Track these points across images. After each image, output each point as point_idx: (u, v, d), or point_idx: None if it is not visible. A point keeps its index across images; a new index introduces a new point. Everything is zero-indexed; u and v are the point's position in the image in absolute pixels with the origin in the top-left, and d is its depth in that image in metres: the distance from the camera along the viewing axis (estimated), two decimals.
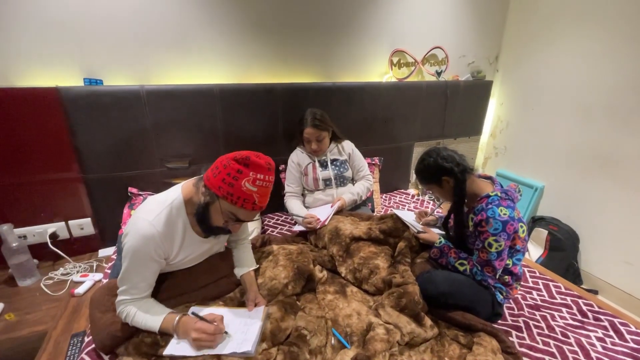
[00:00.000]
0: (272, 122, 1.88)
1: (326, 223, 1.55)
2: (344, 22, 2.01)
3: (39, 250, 1.52)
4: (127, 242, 0.92)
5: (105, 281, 1.34)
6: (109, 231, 1.64)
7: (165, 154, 1.67)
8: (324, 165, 1.78)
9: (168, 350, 0.91)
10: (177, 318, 0.95)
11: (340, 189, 1.81)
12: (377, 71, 2.24)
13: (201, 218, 0.96)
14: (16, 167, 1.43)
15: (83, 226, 1.61)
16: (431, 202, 2.31)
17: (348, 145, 1.86)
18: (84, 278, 1.41)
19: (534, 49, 2.44)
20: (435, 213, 1.56)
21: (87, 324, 1.15)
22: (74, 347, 1.08)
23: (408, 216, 1.51)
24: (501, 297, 1.17)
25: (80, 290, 1.33)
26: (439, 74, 2.40)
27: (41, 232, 1.53)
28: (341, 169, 1.79)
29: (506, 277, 1.18)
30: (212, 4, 1.65)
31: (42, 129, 1.43)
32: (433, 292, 1.13)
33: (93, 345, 0.99)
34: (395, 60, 2.24)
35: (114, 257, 1.50)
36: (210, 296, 1.14)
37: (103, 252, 1.64)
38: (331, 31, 1.99)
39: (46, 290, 1.36)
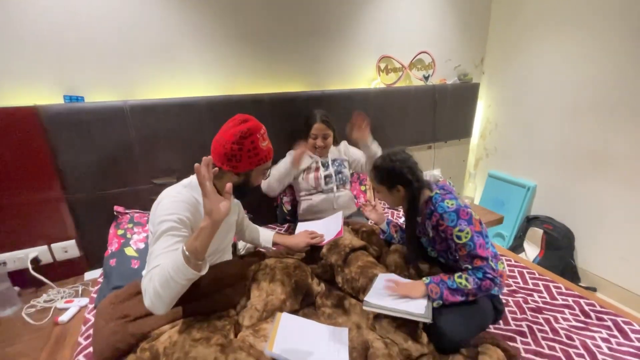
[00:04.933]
0: None
1: (338, 235, 1.41)
2: (331, 29, 2.01)
3: (20, 277, 1.45)
4: (155, 216, 0.95)
5: (91, 306, 1.28)
6: (94, 253, 1.57)
7: (152, 170, 1.62)
8: (325, 165, 1.83)
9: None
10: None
11: (340, 191, 1.83)
12: (365, 77, 2.24)
13: (244, 190, 1.10)
14: None
15: (67, 249, 1.54)
16: None
17: (343, 145, 1.92)
18: (69, 304, 1.34)
19: (517, 51, 2.48)
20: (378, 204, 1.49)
21: (71, 354, 1.09)
22: None
23: (379, 293, 1.10)
24: (496, 289, 1.11)
25: (64, 317, 1.26)
26: (426, 78, 2.41)
27: (22, 257, 1.45)
28: (341, 167, 1.84)
29: None
30: (196, 15, 1.63)
31: (21, 149, 1.36)
32: (443, 344, 1.02)
33: None
34: (382, 66, 2.25)
35: (100, 280, 1.43)
36: (216, 306, 1.09)
37: (89, 275, 1.57)
38: (318, 39, 1.99)
39: (28, 319, 1.28)
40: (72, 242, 1.55)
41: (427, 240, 1.25)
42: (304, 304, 1.20)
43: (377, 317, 1.08)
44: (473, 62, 2.70)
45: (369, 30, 2.13)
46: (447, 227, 1.08)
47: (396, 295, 1.06)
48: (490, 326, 1.17)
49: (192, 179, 1.08)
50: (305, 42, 1.95)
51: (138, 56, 1.56)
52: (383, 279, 1.16)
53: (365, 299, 1.06)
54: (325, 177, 1.79)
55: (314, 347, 0.97)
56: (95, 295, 1.33)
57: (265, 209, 1.96)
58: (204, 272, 0.86)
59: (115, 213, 1.55)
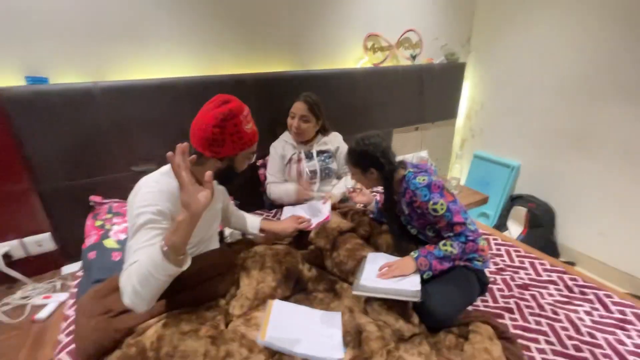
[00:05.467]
0: None
1: (326, 220, 1.39)
2: (317, 6, 1.91)
3: None
4: (133, 208, 0.89)
5: (71, 302, 1.21)
6: (72, 245, 1.48)
7: (130, 157, 1.53)
8: (309, 156, 1.70)
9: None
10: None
11: (323, 185, 1.73)
12: (352, 57, 2.17)
13: (228, 176, 1.04)
14: None
15: (41, 242, 1.45)
16: None
17: (336, 138, 1.79)
18: (47, 300, 1.27)
19: (504, 30, 2.45)
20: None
21: (53, 353, 1.04)
22: None
23: (372, 277, 1.10)
24: (479, 263, 1.16)
25: (41, 315, 1.20)
26: (413, 57, 2.36)
27: None
28: (327, 161, 1.72)
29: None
30: None
31: None
32: (433, 323, 1.05)
33: None
34: (369, 44, 2.18)
35: (80, 273, 1.36)
36: (204, 297, 1.05)
37: (67, 269, 1.49)
38: (302, 16, 1.89)
39: (3, 317, 1.21)
40: (47, 235, 1.46)
41: (405, 218, 1.29)
42: (295, 290, 1.19)
43: (368, 300, 1.08)
44: (460, 42, 2.66)
45: (355, 6, 2.05)
46: (422, 202, 1.12)
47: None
48: (480, 304, 1.19)
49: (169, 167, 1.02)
50: (289, 18, 1.85)
51: (107, 33, 1.44)
52: (372, 260, 1.19)
53: (355, 284, 1.06)
54: (310, 172, 1.67)
55: (307, 333, 0.96)
56: (75, 290, 1.27)
57: (251, 194, 1.90)
58: (185, 267, 0.81)
59: (91, 203, 1.47)
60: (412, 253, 1.14)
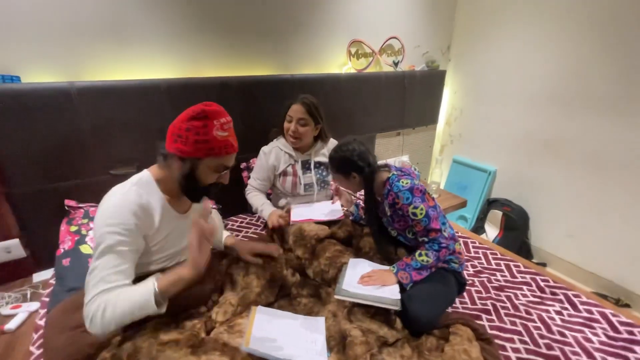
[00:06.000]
0: None
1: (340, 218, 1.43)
2: (301, 11, 1.92)
3: None
4: (98, 223, 0.84)
5: (43, 311, 1.16)
6: (44, 252, 1.42)
7: (108, 160, 1.49)
8: (307, 167, 1.61)
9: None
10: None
11: (320, 196, 1.67)
12: (336, 62, 2.20)
13: (190, 185, 0.94)
14: None
15: (10, 249, 1.38)
16: None
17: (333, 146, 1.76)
18: (16, 310, 1.21)
19: (482, 39, 2.55)
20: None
21: None
22: None
23: (353, 282, 1.12)
24: (456, 265, 1.20)
25: (11, 325, 1.13)
26: (396, 64, 2.42)
27: None
28: (324, 173, 1.65)
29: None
30: None
31: None
32: (417, 328, 1.07)
33: None
34: (353, 50, 2.21)
35: (52, 281, 1.30)
36: (198, 298, 1.05)
37: (38, 277, 1.42)
38: (287, 21, 1.90)
39: None
40: (16, 241, 1.39)
41: (387, 220, 1.31)
42: (279, 295, 1.18)
43: (351, 309, 1.09)
44: (440, 49, 2.75)
45: (340, 13, 2.07)
46: (403, 204, 1.15)
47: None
48: (459, 305, 1.24)
49: (142, 175, 0.97)
50: (274, 22, 1.86)
51: (84, 31, 1.39)
52: (352, 266, 1.21)
53: (337, 288, 1.09)
54: (306, 185, 1.59)
55: (291, 338, 0.96)
56: (47, 299, 1.21)
57: (234, 197, 1.88)
58: (163, 310, 0.84)
59: (66, 208, 1.41)
60: (391, 267, 1.16)
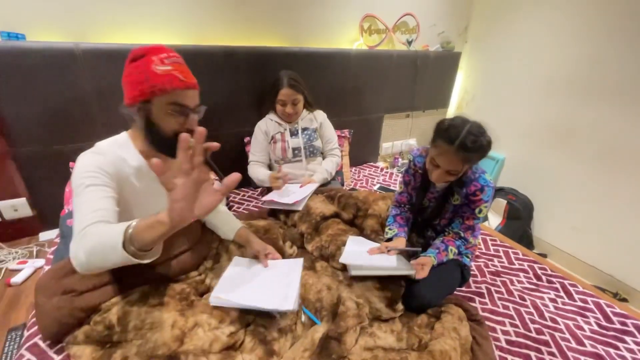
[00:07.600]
0: (234, 89, 1.72)
1: (300, 207, 1.45)
2: None
3: None
4: (72, 180, 0.82)
5: (47, 267, 1.20)
6: (49, 212, 1.45)
7: (112, 125, 1.47)
8: (294, 133, 1.68)
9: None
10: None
11: (310, 162, 1.72)
12: (347, 37, 2.12)
13: (155, 137, 0.87)
14: None
15: (17, 207, 1.42)
16: (400, 175, 2.31)
17: (320, 115, 1.77)
18: (22, 265, 1.25)
19: (501, 22, 2.43)
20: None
21: (27, 316, 1.03)
22: (12, 343, 0.96)
23: (361, 253, 1.15)
24: (468, 259, 1.20)
25: (17, 279, 1.18)
26: (409, 42, 2.33)
27: None
28: (311, 138, 1.71)
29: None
30: None
31: None
32: (418, 306, 1.08)
33: (34, 340, 0.88)
34: (365, 26, 2.13)
35: (57, 240, 1.34)
36: (189, 264, 1.06)
37: (45, 236, 1.47)
38: None
39: None
40: (23, 200, 1.42)
41: (431, 205, 1.23)
42: None
43: (364, 279, 1.11)
44: (457, 30, 2.63)
45: None
46: (481, 199, 1.07)
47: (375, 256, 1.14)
48: None
49: (120, 135, 0.94)
50: None
51: None
52: (354, 242, 1.23)
53: (349, 267, 1.12)
54: (294, 149, 1.67)
55: (261, 286, 0.97)
56: (51, 257, 1.25)
57: (237, 170, 1.88)
58: (146, 260, 0.69)
59: (70, 170, 1.42)
60: (432, 259, 1.12)
